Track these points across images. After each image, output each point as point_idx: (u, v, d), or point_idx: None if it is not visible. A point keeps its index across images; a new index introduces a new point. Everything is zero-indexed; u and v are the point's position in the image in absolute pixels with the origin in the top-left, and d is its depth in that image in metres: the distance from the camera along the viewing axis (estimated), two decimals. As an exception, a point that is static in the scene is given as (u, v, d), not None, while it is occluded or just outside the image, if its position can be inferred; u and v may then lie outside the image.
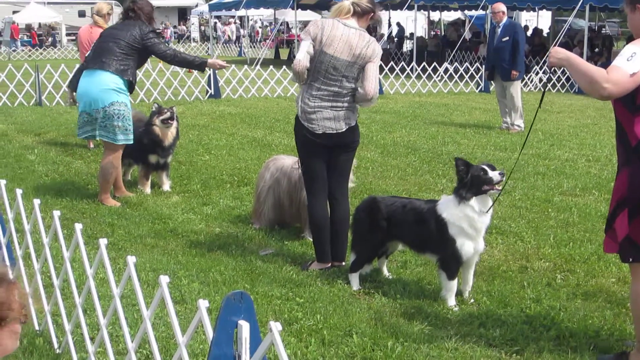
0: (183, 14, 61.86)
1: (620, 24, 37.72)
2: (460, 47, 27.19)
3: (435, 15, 38.82)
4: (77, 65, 10.41)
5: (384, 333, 4.48)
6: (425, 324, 4.64)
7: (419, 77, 20.29)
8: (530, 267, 5.78)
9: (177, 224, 6.87)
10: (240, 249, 6.13)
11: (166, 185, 8.24)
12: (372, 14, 5.44)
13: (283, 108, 15.62)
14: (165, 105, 8.23)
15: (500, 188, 4.87)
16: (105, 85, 7.15)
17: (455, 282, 4.97)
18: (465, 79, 20.53)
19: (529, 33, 27.66)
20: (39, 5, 48.78)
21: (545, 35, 29.86)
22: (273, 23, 44.70)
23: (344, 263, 5.68)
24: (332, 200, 5.64)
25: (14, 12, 48.76)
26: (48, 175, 8.84)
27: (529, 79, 20.18)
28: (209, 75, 17.81)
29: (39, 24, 50.31)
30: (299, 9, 31.28)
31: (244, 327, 2.57)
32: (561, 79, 20.35)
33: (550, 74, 20.13)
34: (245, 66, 19.36)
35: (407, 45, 33.27)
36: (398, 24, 35.08)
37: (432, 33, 36.00)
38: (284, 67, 18.24)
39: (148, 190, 8.12)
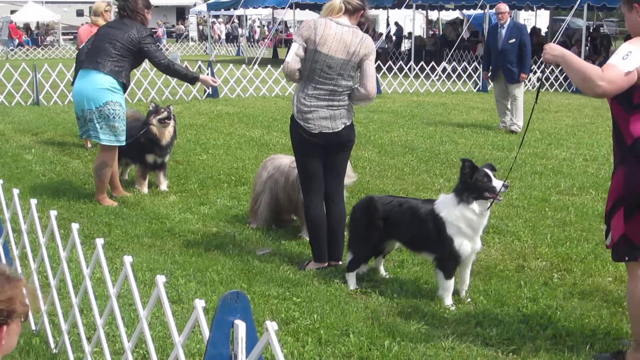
0: (181, 13, 61.85)
1: (619, 24, 37.77)
2: (458, 47, 27.23)
3: (433, 15, 38.86)
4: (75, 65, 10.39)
5: (380, 332, 4.48)
6: (422, 323, 4.64)
7: (417, 76, 20.30)
8: (527, 266, 5.79)
9: (174, 223, 6.87)
10: (237, 249, 6.13)
11: (163, 185, 8.24)
12: (363, 11, 5.47)
13: (281, 107, 15.61)
14: (163, 104, 8.21)
15: (501, 199, 4.88)
16: (99, 84, 7.14)
17: (452, 282, 4.97)
18: (463, 79, 20.55)
19: (527, 32, 27.67)
20: (37, 4, 48.78)
21: (544, 34, 29.88)
22: (271, 22, 44.70)
23: (340, 262, 5.68)
24: (329, 199, 5.64)
25: (12, 12, 48.77)
26: (45, 175, 8.84)
27: (527, 78, 20.16)
28: (207, 74, 17.78)
29: (37, 23, 50.31)
30: (297, 9, 31.28)
31: (240, 326, 2.57)
32: (559, 78, 20.37)
33: (548, 74, 20.15)
34: (243, 65, 19.34)
35: (405, 45, 33.30)
36: (396, 23, 35.13)
37: (430, 32, 36.03)
38: (282, 66, 18.22)
39: (145, 189, 8.12)
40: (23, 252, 4.58)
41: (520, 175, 8.98)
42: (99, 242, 3.61)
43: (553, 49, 3.96)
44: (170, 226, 6.76)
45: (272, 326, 2.43)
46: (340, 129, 5.45)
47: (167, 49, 35.93)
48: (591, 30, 29.51)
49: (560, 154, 10.61)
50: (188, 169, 9.23)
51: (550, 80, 20.36)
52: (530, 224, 6.90)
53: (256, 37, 47.18)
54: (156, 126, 7.99)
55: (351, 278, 5.32)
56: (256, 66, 20.22)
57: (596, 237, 6.38)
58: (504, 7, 12.96)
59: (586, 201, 7.79)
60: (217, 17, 47.01)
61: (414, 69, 20.57)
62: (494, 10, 14.73)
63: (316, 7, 30.10)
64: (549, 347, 4.35)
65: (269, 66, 19.35)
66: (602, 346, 4.39)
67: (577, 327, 4.60)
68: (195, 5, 53.51)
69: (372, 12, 39.59)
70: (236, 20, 44.33)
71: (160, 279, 3.07)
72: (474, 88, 20.03)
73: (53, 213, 4.11)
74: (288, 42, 39.52)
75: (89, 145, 10.57)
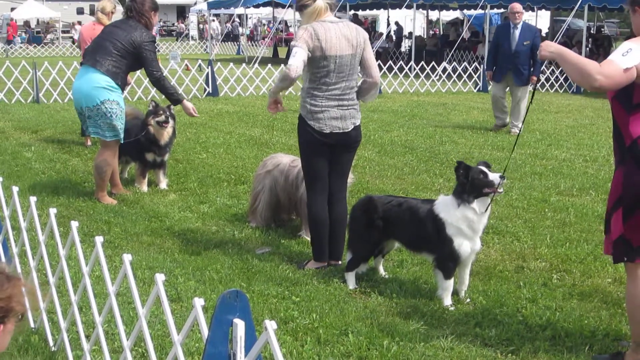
0: (182, 11, 61.86)
1: (619, 24, 37.77)
2: (458, 47, 27.24)
3: (434, 15, 38.86)
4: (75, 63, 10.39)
5: (379, 332, 4.48)
6: (421, 324, 4.64)
7: (417, 76, 20.30)
8: (527, 267, 5.78)
9: (173, 222, 6.86)
10: (236, 248, 6.13)
11: (163, 184, 8.23)
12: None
13: (281, 106, 15.58)
14: (163, 103, 8.21)
15: (501, 190, 4.88)
16: (97, 83, 7.13)
17: (451, 282, 4.97)
18: (463, 79, 20.54)
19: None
20: (37, 2, 48.78)
21: (544, 35, 29.89)
22: (272, 21, 44.68)
23: (340, 262, 5.68)
24: (332, 199, 5.64)
25: (12, 9, 48.78)
26: (45, 173, 8.83)
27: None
28: (207, 73, 17.82)
29: (37, 21, 50.33)
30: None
31: (239, 325, 2.57)
32: (559, 79, 20.37)
33: (549, 74, 20.14)
34: (244, 64, 19.34)
35: (406, 45, 33.30)
36: (397, 23, 35.12)
37: (431, 32, 36.03)
38: (282, 65, 18.22)
39: (145, 188, 8.11)
40: (22, 250, 4.58)
41: (520, 176, 8.98)
42: (99, 240, 3.61)
43: (549, 45, 3.96)
44: (169, 225, 6.76)
45: (271, 325, 2.43)
46: (350, 129, 5.48)
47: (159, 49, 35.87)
48: (592, 31, 29.54)
49: (560, 154, 10.61)
50: (188, 168, 9.22)
51: (550, 81, 20.36)
52: (530, 225, 6.90)
53: (254, 36, 47.15)
54: (155, 127, 7.99)
55: (350, 277, 5.32)
56: (256, 65, 20.22)
57: (596, 238, 6.38)
58: (519, 6, 12.53)
59: (586, 202, 7.79)
60: (217, 15, 46.99)
61: (414, 69, 20.58)
62: (507, 10, 14.25)
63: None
64: (548, 347, 4.35)
65: (269, 65, 19.35)
66: (601, 347, 4.38)
67: (576, 328, 4.60)
68: (195, 3, 53.49)
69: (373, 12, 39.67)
70: (237, 19, 44.31)
71: (160, 278, 3.07)
72: (474, 88, 20.03)
73: (52, 211, 4.11)
74: (288, 41, 39.51)
75: (89, 143, 10.58)
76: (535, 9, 29.51)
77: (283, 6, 31.19)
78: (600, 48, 26.57)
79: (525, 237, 6.52)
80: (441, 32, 36.78)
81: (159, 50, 7.56)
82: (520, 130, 5.57)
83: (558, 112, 15.66)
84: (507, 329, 4.56)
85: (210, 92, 17.37)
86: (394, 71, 20.32)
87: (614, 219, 3.95)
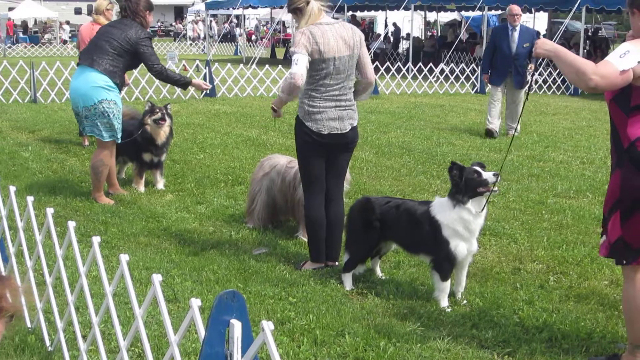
0: (179, 12, 61.85)
1: (617, 26, 37.82)
2: (456, 48, 27.27)
3: (431, 16, 38.89)
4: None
5: (376, 333, 4.48)
6: (417, 325, 4.64)
7: (414, 77, 20.30)
8: (523, 268, 5.79)
9: (170, 222, 6.86)
10: (233, 248, 6.13)
11: (160, 184, 8.23)
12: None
13: (278, 107, 15.58)
14: (160, 103, 8.21)
15: (496, 189, 4.87)
16: (95, 82, 7.14)
17: (448, 283, 4.97)
18: (460, 80, 20.55)
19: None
20: (34, 2, 48.73)
21: (542, 37, 29.92)
22: (269, 22, 44.68)
23: (337, 263, 5.68)
24: (329, 200, 5.65)
25: (10, 9, 48.71)
26: (42, 173, 8.83)
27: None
28: (205, 73, 17.83)
29: (35, 21, 50.28)
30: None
31: (236, 326, 2.57)
32: (557, 81, 20.39)
33: (546, 76, 20.16)
34: (241, 65, 19.33)
35: (403, 46, 33.31)
36: (394, 24, 35.13)
37: (429, 34, 36.05)
38: (280, 66, 18.25)
39: (142, 188, 8.11)
40: (19, 250, 4.58)
41: (517, 178, 8.99)
42: (96, 240, 3.60)
43: (545, 43, 3.94)
44: (166, 225, 6.76)
45: (268, 326, 2.43)
46: (347, 130, 5.48)
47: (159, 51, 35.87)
48: (589, 33, 29.57)
49: (558, 156, 10.61)
50: (185, 168, 9.22)
51: (548, 83, 20.38)
52: (527, 227, 6.90)
53: (252, 37, 47.14)
54: (151, 126, 7.99)
55: (347, 279, 5.32)
56: (254, 66, 20.22)
57: (592, 240, 6.38)
58: (517, 9, 12.39)
59: (583, 204, 7.80)
60: (215, 16, 46.98)
61: (412, 70, 20.57)
62: (505, 12, 14.14)
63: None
64: (545, 349, 4.35)
65: (267, 66, 19.34)
66: (598, 349, 4.39)
67: (572, 330, 4.60)
68: (193, 4, 53.48)
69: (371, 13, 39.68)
70: (234, 20, 44.29)
71: (157, 278, 3.07)
72: (472, 90, 20.05)
73: (49, 211, 4.10)
74: (286, 42, 39.53)
75: (86, 143, 10.57)
76: (533, 11, 29.52)
77: (281, 7, 31.17)
78: (598, 50, 26.62)
79: (522, 239, 6.52)
80: (439, 34, 36.81)
81: (155, 54, 7.54)
82: (515, 131, 5.57)
83: (555, 114, 15.68)
84: (504, 331, 4.56)
85: (208, 92, 17.35)
86: (391, 72, 20.33)
87: (612, 222, 3.95)
